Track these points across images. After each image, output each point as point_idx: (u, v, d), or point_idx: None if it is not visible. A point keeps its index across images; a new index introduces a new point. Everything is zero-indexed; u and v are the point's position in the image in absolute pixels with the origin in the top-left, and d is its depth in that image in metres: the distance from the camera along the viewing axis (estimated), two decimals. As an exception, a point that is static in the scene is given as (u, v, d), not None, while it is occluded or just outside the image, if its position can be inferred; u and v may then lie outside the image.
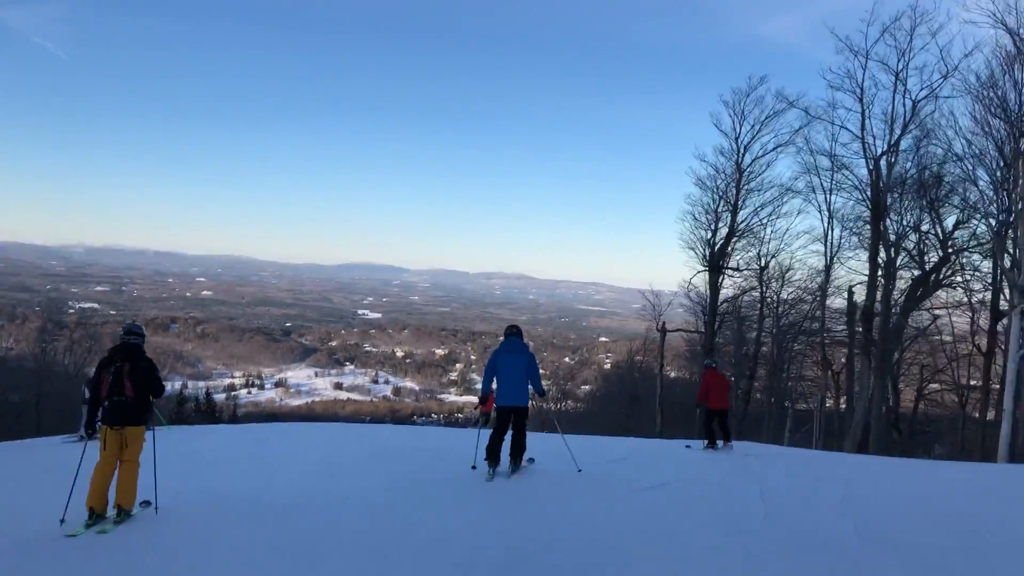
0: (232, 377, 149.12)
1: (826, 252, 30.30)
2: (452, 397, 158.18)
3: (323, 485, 8.79)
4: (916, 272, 26.17)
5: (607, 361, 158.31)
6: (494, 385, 9.38)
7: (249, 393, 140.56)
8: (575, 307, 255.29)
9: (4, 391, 32.68)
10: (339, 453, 11.89)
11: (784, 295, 32.54)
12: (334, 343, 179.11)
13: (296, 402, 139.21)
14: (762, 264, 32.06)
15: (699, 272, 31.95)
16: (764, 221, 31.59)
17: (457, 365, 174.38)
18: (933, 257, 25.97)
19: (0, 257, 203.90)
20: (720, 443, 13.41)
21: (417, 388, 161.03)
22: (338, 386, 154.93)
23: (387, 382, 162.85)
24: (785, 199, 31.26)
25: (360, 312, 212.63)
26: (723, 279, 31.80)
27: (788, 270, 32.45)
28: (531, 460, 9.81)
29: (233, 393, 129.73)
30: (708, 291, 31.74)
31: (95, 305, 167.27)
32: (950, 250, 25.32)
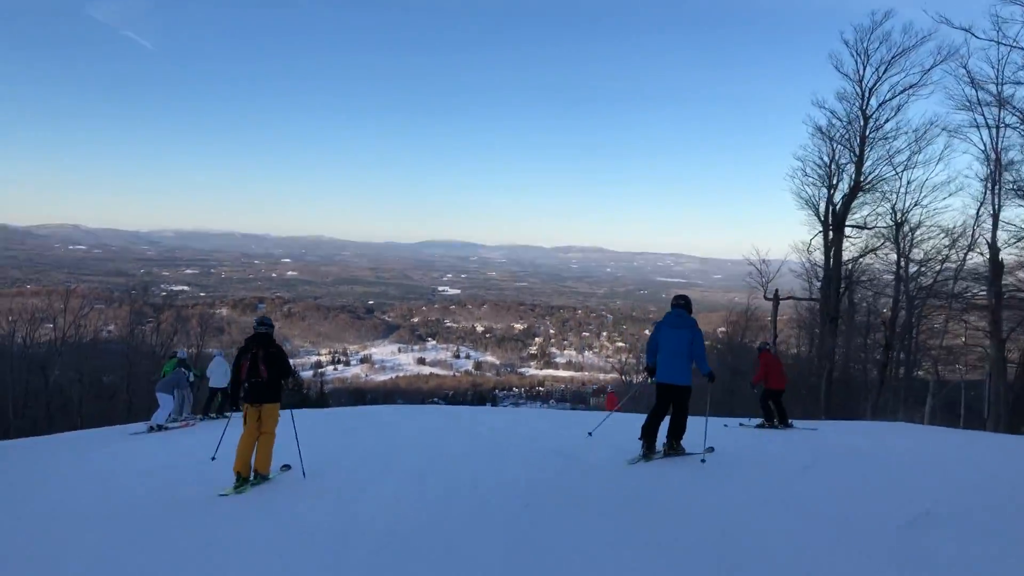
0: (319, 354, 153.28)
1: (991, 200, 25.15)
2: (532, 371, 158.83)
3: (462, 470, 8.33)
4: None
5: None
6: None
7: (335, 369, 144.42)
8: (654, 279, 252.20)
9: (98, 373, 34.03)
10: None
11: (921, 254, 28.13)
12: (416, 319, 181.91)
13: (381, 377, 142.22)
14: (897, 220, 28.06)
15: (818, 233, 29.42)
16: (899, 171, 27.72)
17: (536, 339, 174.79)
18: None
19: (96, 244, 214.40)
20: (776, 423, 13.12)
21: (498, 362, 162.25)
22: (421, 361, 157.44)
23: (468, 357, 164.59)
24: (925, 142, 27.14)
25: (440, 288, 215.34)
26: (844, 240, 28.84)
27: (920, 228, 27.99)
28: (711, 449, 8.96)
29: (320, 370, 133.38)
30: (828, 253, 28.99)
31: (185, 287, 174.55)
32: None
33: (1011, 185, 23.96)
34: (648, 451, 8.28)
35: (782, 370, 13.56)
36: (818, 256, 30.04)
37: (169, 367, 16.21)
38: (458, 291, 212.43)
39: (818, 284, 29.97)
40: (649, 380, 8.71)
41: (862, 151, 28.08)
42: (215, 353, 17.74)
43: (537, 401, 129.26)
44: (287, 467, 8.54)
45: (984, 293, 25.98)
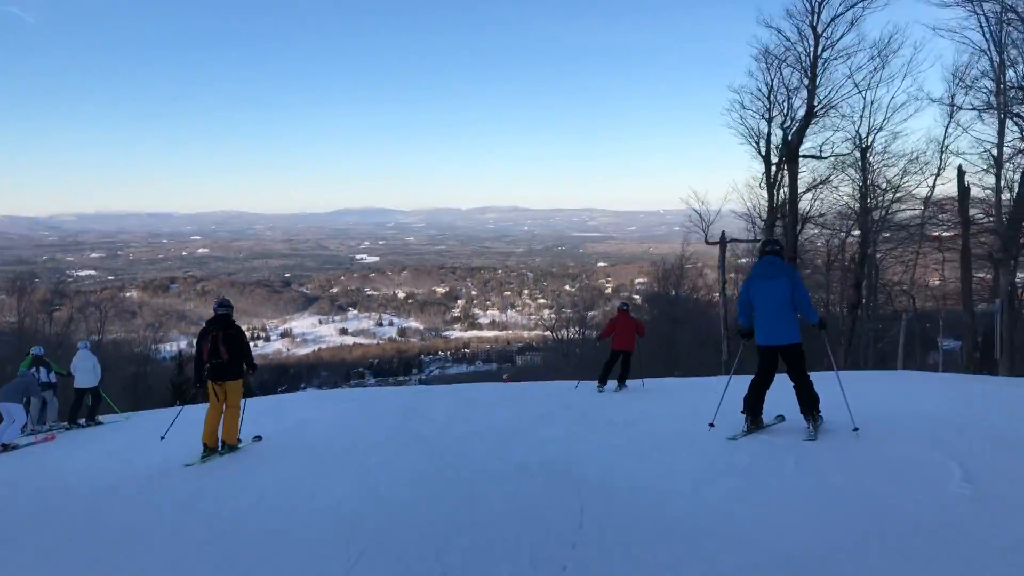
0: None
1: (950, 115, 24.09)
2: (457, 333, 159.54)
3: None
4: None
5: (608, 286, 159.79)
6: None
7: (256, 346, 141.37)
8: (571, 235, 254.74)
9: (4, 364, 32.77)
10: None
11: (885, 182, 26.68)
12: (335, 290, 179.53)
13: (303, 351, 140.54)
14: (862, 145, 26.17)
15: (770, 170, 27.29)
16: (863, 90, 25.68)
17: (459, 301, 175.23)
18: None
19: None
20: (614, 384, 13.16)
21: (422, 327, 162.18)
22: (343, 332, 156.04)
23: (391, 324, 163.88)
24: (890, 54, 25.17)
25: (358, 257, 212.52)
26: (800, 174, 26.67)
27: (885, 154, 26.49)
28: (780, 417, 7.68)
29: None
30: (773, 191, 27.11)
31: (92, 272, 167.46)
32: None
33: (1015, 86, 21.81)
34: (753, 425, 7.21)
35: (633, 332, 13.16)
36: (760, 194, 28.13)
37: (24, 367, 13.35)
38: (376, 258, 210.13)
39: (763, 225, 27.86)
40: (744, 343, 7.74)
41: (814, 73, 25.61)
42: (80, 345, 14.91)
43: (464, 363, 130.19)
44: (259, 438, 9.20)
45: (953, 223, 24.92)
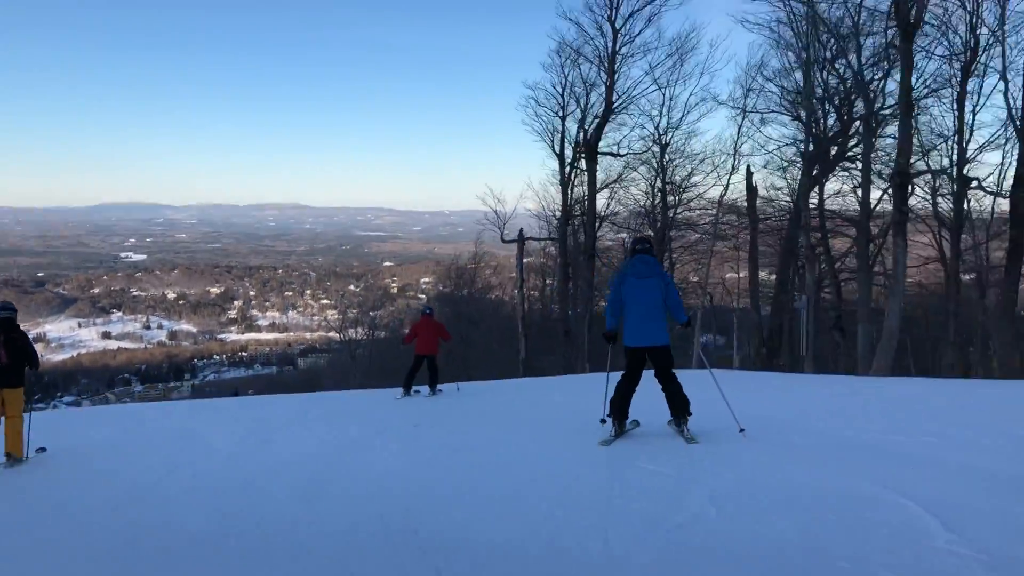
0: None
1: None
2: (234, 336, 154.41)
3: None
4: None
5: (394, 286, 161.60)
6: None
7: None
8: (355, 234, 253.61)
9: None
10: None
11: (682, 180, 26.94)
12: (96, 290, 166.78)
13: (60, 357, 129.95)
14: (662, 142, 26.26)
15: (567, 165, 27.45)
16: (662, 87, 25.94)
17: (235, 302, 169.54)
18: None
19: None
20: (426, 389, 13.28)
21: (195, 330, 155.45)
22: (106, 335, 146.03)
23: (160, 327, 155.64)
24: (688, 51, 25.79)
25: (123, 255, 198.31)
26: (599, 171, 26.70)
27: (683, 151, 26.82)
28: (635, 423, 7.35)
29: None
30: (567, 188, 27.28)
31: None
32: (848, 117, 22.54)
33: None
34: (620, 429, 7.01)
35: (435, 335, 13.16)
36: (554, 193, 28.26)
37: None
38: (144, 256, 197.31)
39: (556, 224, 28.19)
40: (611, 346, 7.39)
41: (612, 68, 25.76)
42: None
43: (241, 367, 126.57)
44: (42, 449, 8.52)
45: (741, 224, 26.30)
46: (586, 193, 26.99)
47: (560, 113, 27.60)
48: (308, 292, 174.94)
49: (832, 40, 21.47)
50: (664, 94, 25.99)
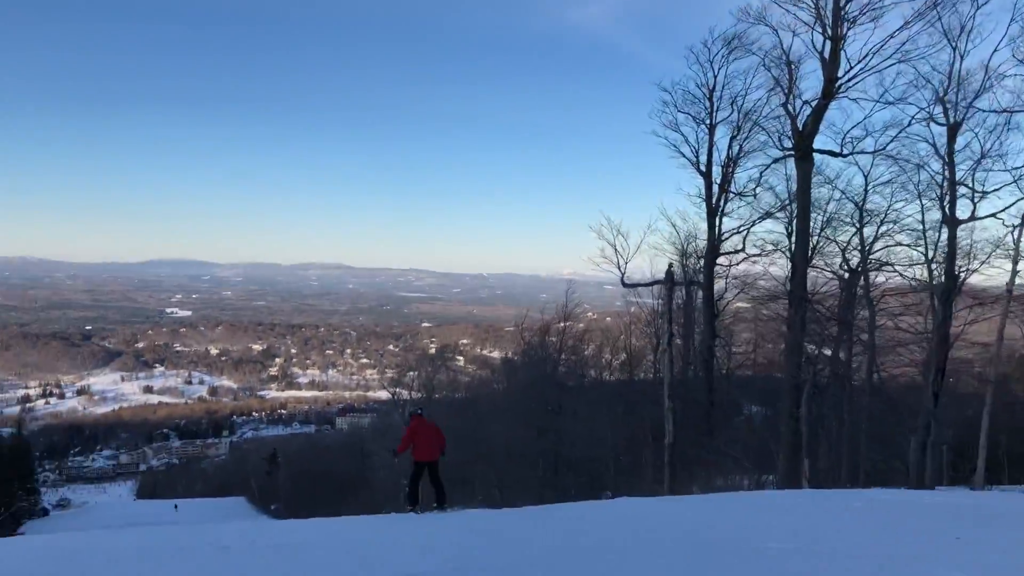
0: (27, 388, 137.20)
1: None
2: (273, 393, 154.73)
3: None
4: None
5: (432, 346, 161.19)
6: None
7: (47, 404, 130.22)
8: (396, 294, 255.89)
9: None
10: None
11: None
12: (141, 344, 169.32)
13: (102, 409, 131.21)
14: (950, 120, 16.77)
15: (714, 184, 22.78)
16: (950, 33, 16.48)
17: (276, 360, 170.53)
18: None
19: None
20: (433, 505, 10.94)
21: (235, 386, 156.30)
22: (148, 389, 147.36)
23: (202, 382, 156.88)
24: None
25: (168, 311, 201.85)
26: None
27: None
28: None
29: (29, 404, 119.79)
30: (715, 219, 22.68)
31: None
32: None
33: None
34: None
35: (435, 439, 10.95)
36: (693, 223, 24.00)
37: None
38: (189, 312, 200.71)
39: (700, 264, 22.97)
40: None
41: (837, 25, 18.15)
42: None
43: (279, 425, 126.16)
44: None
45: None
46: (793, 211, 19.81)
47: (708, 120, 21.97)
48: (348, 351, 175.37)
49: None
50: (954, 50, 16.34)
